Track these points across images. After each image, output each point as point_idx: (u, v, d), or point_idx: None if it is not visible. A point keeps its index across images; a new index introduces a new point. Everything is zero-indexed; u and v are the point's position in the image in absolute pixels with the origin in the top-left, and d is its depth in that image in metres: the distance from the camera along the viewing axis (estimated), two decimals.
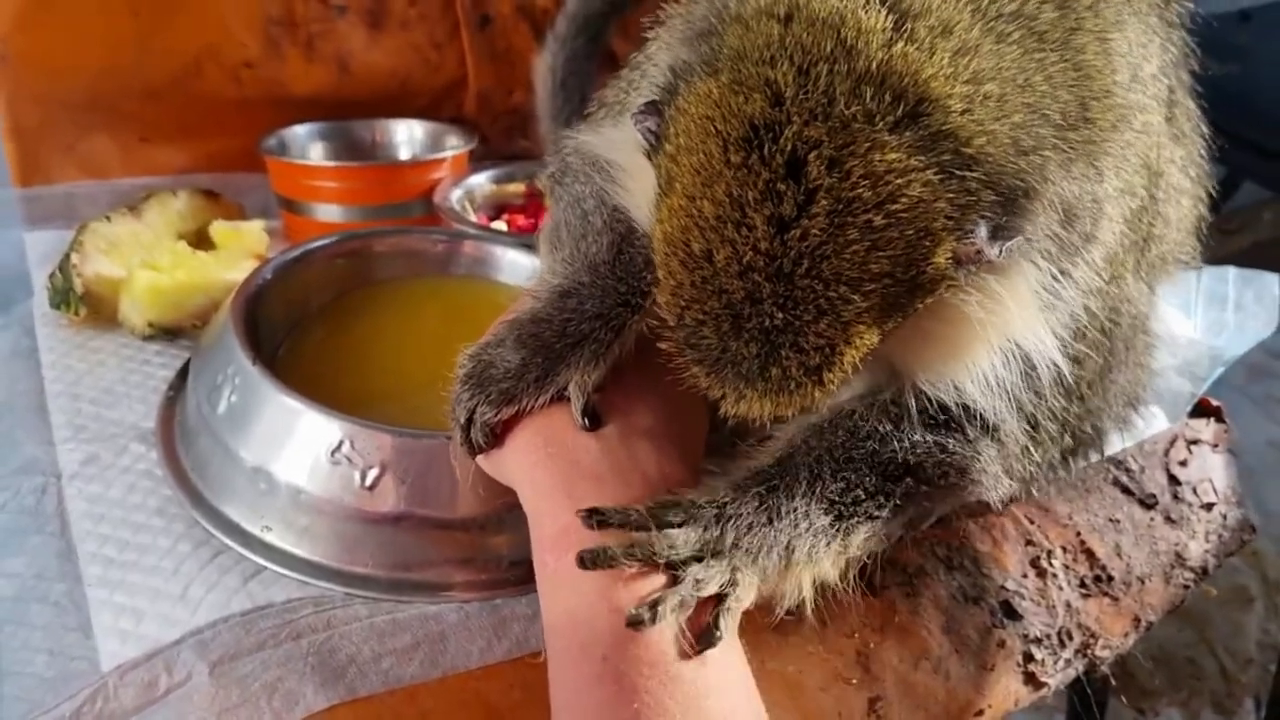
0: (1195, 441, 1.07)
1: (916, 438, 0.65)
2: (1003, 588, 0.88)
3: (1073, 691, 1.20)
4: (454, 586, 0.80)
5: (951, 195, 0.51)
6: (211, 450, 0.85)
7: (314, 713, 0.70)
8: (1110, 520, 0.97)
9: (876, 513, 0.64)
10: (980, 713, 0.82)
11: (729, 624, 0.59)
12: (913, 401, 0.64)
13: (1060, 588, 0.90)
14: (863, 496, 0.64)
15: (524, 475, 0.65)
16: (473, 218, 1.26)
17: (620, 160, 0.64)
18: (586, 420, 0.64)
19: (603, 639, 0.57)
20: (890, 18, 0.52)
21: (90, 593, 0.78)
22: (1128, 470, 1.01)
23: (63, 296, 1.06)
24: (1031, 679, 0.85)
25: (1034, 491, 0.83)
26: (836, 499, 0.63)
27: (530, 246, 1.02)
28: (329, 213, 1.26)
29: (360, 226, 1.23)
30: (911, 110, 0.51)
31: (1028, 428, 0.69)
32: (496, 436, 0.66)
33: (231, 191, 1.30)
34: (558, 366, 0.64)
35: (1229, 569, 1.76)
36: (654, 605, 0.56)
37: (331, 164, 1.35)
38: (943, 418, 0.65)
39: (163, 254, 1.11)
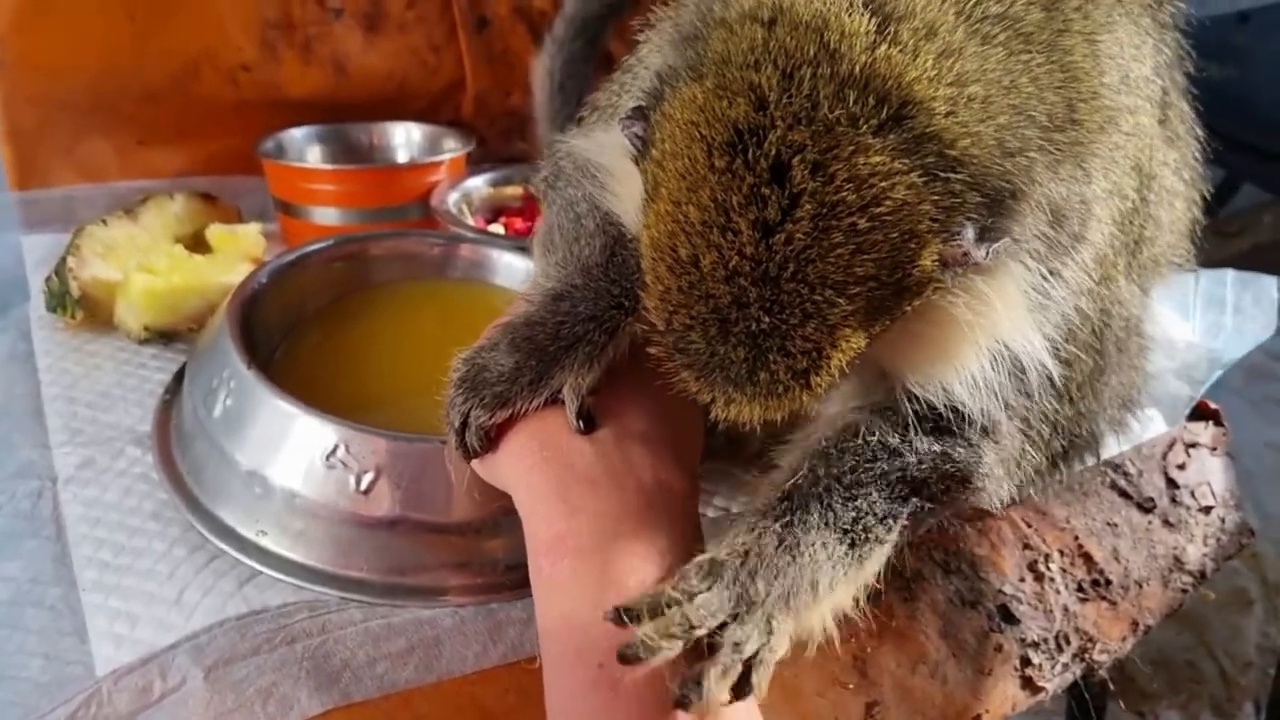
0: (1193, 445, 1.07)
1: (922, 448, 0.65)
2: (1000, 592, 0.88)
3: (1071, 696, 1.20)
4: (449, 591, 0.80)
5: (936, 198, 0.51)
6: (207, 454, 0.85)
7: (309, 718, 0.70)
8: (1108, 524, 0.97)
9: (886, 536, 0.64)
10: (978, 717, 0.82)
11: (764, 676, 0.57)
12: (910, 409, 0.64)
13: (1058, 592, 0.90)
14: (873, 522, 0.63)
15: (519, 479, 0.65)
16: (470, 220, 1.25)
17: (609, 165, 0.64)
18: (581, 423, 0.63)
19: (598, 645, 0.57)
20: (874, 21, 0.52)
21: (85, 597, 0.78)
22: (1125, 474, 1.01)
23: (59, 300, 1.06)
24: (1029, 683, 0.85)
25: (1032, 493, 0.83)
26: (849, 527, 0.62)
27: (526, 249, 1.02)
28: (326, 216, 1.26)
29: (357, 229, 1.23)
30: (895, 113, 0.50)
31: (1021, 428, 0.69)
32: (491, 440, 0.66)
33: (228, 194, 1.30)
34: (552, 369, 0.64)
35: (1228, 572, 1.76)
36: (698, 682, 0.54)
37: (329, 167, 1.35)
38: (942, 423, 0.65)
39: (159, 257, 1.11)
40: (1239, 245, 2.95)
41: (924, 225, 0.51)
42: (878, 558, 0.64)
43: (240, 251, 1.16)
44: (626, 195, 0.62)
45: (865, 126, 0.50)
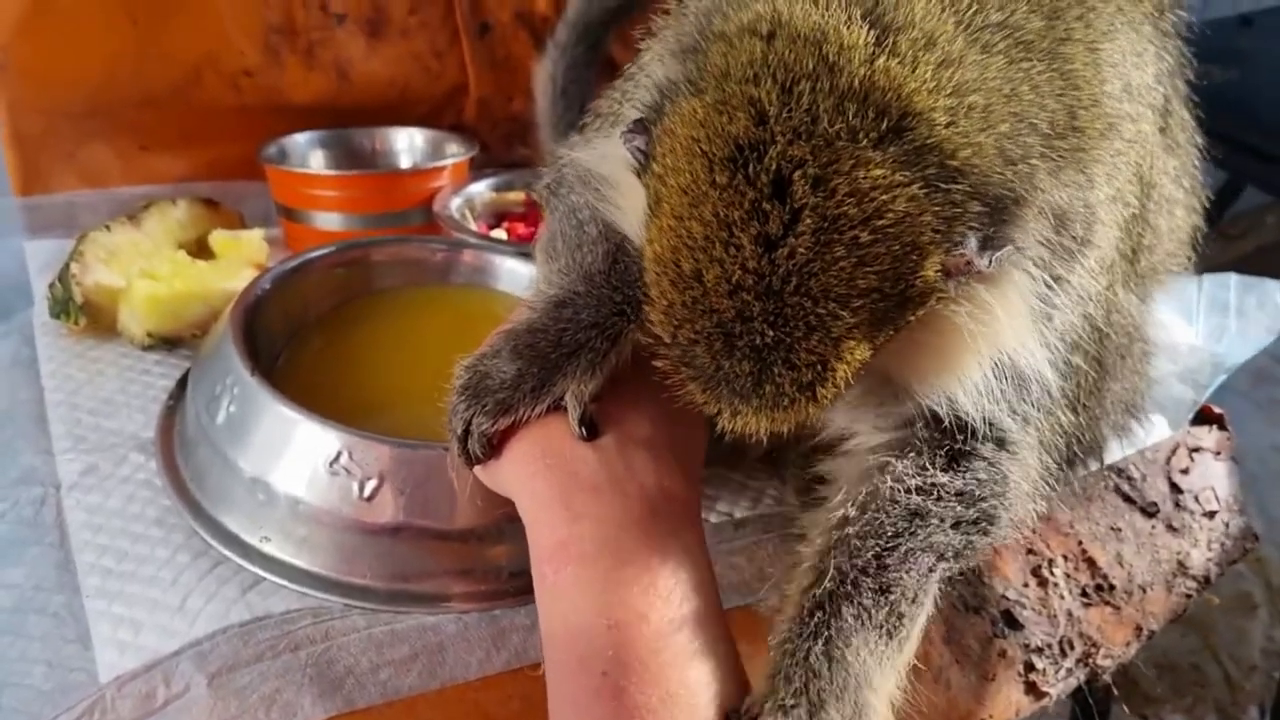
0: (1197, 449, 1.07)
1: (946, 490, 0.65)
2: (1004, 597, 0.88)
3: (1075, 701, 1.19)
4: (452, 597, 0.80)
5: (938, 208, 0.51)
6: (210, 460, 0.85)
7: None
8: (1112, 529, 0.96)
9: (920, 613, 0.65)
10: None
11: None
12: (925, 435, 0.64)
13: (1061, 597, 0.90)
14: (906, 607, 0.63)
15: (522, 486, 0.65)
16: (473, 226, 1.26)
17: (611, 177, 0.64)
18: (584, 430, 0.63)
19: (602, 653, 0.57)
20: (872, 33, 0.52)
21: (89, 604, 0.78)
22: (1129, 478, 1.01)
23: (62, 306, 1.07)
24: (1033, 688, 0.85)
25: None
26: (884, 622, 0.63)
27: (529, 255, 1.02)
28: (329, 221, 1.27)
29: (360, 235, 1.23)
30: (895, 125, 0.51)
31: (1037, 437, 0.69)
32: (494, 447, 0.66)
33: (231, 200, 1.31)
34: (554, 376, 0.64)
35: (1233, 576, 1.76)
36: None
37: (331, 172, 1.35)
38: (959, 445, 0.65)
39: (162, 263, 1.11)
40: (1242, 248, 2.95)
41: (926, 236, 0.51)
42: (916, 635, 0.65)
43: (243, 257, 1.16)
44: (629, 208, 0.62)
45: (865, 140, 0.50)
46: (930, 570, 0.65)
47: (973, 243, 0.52)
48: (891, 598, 0.63)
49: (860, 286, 0.51)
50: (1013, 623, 0.87)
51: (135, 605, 0.78)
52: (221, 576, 0.80)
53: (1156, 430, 1.06)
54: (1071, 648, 0.87)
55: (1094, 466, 0.92)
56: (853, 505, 0.65)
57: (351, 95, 1.40)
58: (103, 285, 1.07)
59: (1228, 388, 1.13)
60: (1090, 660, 0.88)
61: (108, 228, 1.14)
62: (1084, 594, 0.91)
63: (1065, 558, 0.92)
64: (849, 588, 0.63)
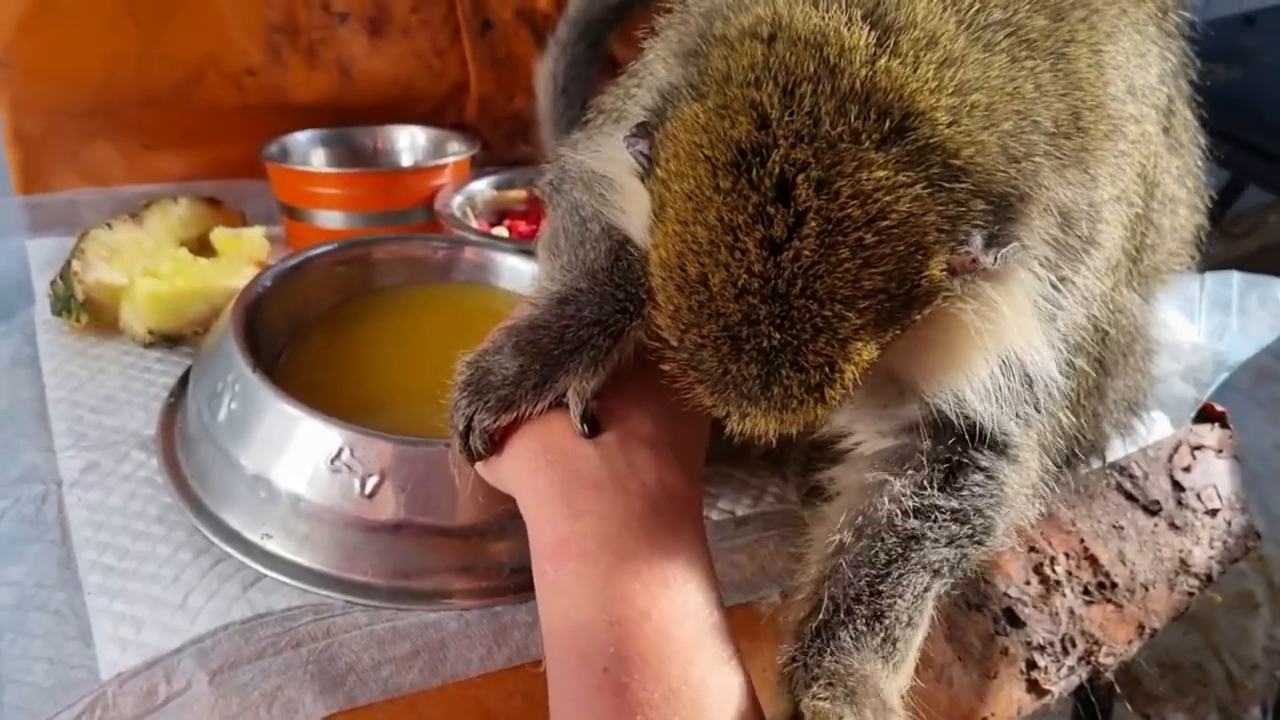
0: (1199, 447, 1.07)
1: (941, 511, 0.65)
2: (1005, 595, 0.88)
3: (1077, 699, 1.19)
4: (454, 594, 0.80)
5: (942, 208, 0.51)
6: (212, 458, 0.85)
7: None
8: (1114, 526, 0.96)
9: (915, 635, 0.65)
10: None
11: None
12: (928, 449, 0.64)
13: (1063, 594, 0.90)
14: (899, 631, 0.64)
15: (523, 483, 0.65)
16: (474, 224, 1.25)
17: (615, 180, 0.64)
18: (585, 427, 0.63)
19: (603, 650, 0.57)
20: (873, 33, 0.52)
21: (90, 601, 0.78)
22: (1131, 476, 1.01)
23: (64, 304, 1.07)
24: (1035, 686, 0.85)
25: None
26: (878, 649, 0.63)
27: (531, 253, 1.02)
28: (331, 219, 1.26)
29: (362, 233, 1.23)
30: (897, 126, 0.51)
31: (1038, 438, 0.69)
32: (495, 444, 0.66)
33: (233, 198, 1.30)
34: (556, 373, 0.64)
35: (1235, 574, 1.75)
36: None
37: (333, 170, 1.35)
38: (958, 458, 0.66)
39: (164, 261, 1.11)
40: (1245, 246, 2.95)
41: (931, 236, 0.51)
42: (912, 659, 0.65)
43: (244, 255, 1.16)
44: (633, 211, 0.62)
45: (868, 141, 0.50)
46: (926, 589, 0.65)
47: (978, 240, 0.52)
48: (886, 623, 0.63)
49: (866, 288, 0.51)
50: (1015, 620, 0.86)
51: (136, 602, 0.78)
52: (223, 574, 0.80)
53: (1158, 428, 1.06)
54: (1073, 646, 0.87)
55: (1096, 465, 0.91)
56: (849, 531, 0.66)
57: (354, 94, 1.40)
58: (104, 283, 1.07)
59: (1230, 386, 1.13)
60: (1092, 658, 0.88)
61: (109, 225, 1.14)
62: (1086, 592, 0.91)
63: (1067, 555, 0.92)
64: (841, 616, 0.63)
